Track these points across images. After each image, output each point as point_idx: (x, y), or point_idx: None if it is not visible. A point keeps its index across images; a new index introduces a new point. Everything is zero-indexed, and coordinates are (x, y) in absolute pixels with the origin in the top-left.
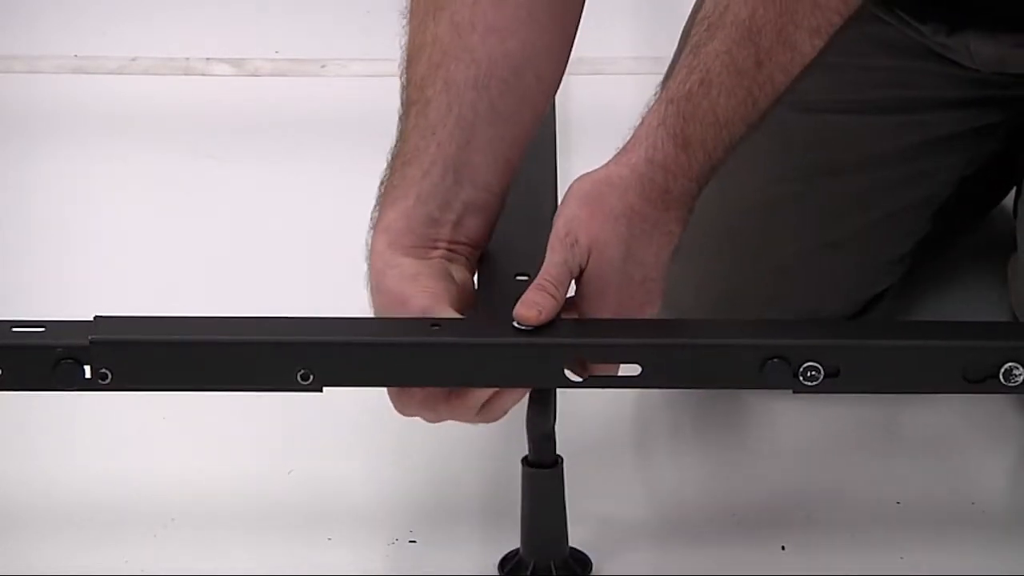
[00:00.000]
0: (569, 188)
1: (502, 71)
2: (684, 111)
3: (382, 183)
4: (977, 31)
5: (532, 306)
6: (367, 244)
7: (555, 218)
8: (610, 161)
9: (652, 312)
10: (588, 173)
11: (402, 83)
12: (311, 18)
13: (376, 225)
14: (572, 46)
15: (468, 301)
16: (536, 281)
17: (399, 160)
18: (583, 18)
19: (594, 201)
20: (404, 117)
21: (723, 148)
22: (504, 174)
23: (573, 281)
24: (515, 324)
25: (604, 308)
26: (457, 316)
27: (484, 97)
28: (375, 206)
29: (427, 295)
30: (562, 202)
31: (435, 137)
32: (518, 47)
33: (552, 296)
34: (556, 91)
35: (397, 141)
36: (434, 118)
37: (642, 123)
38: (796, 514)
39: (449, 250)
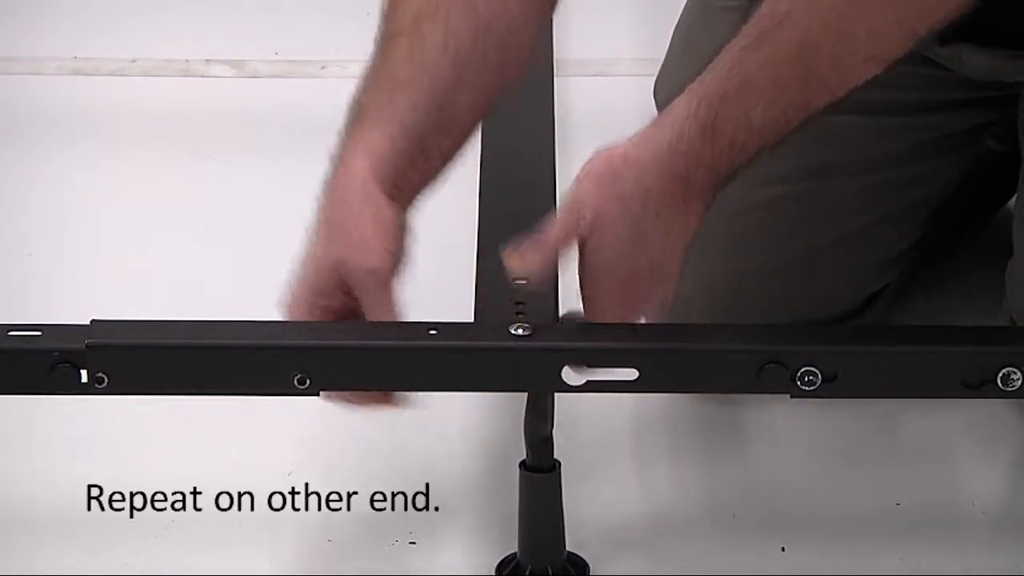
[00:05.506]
0: (585, 165)
1: (499, 27)
2: (718, 109)
3: (356, 100)
4: (970, 43)
5: (518, 255)
6: (335, 155)
7: (567, 191)
8: (630, 139)
9: (657, 301)
10: (606, 148)
11: (385, 6)
12: (311, 19)
13: (355, 140)
14: (551, 19)
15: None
16: (532, 238)
17: (387, 83)
18: (584, 19)
19: (609, 178)
20: (389, 42)
21: (749, 151)
22: (476, 123)
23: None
24: (510, 330)
25: (606, 288)
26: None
27: (479, 47)
28: (350, 120)
29: (387, 256)
30: (576, 177)
31: (429, 72)
32: (517, 5)
33: (540, 251)
34: (530, 59)
35: (376, 62)
36: (431, 54)
37: (668, 112)
38: (796, 515)
39: (410, 198)
